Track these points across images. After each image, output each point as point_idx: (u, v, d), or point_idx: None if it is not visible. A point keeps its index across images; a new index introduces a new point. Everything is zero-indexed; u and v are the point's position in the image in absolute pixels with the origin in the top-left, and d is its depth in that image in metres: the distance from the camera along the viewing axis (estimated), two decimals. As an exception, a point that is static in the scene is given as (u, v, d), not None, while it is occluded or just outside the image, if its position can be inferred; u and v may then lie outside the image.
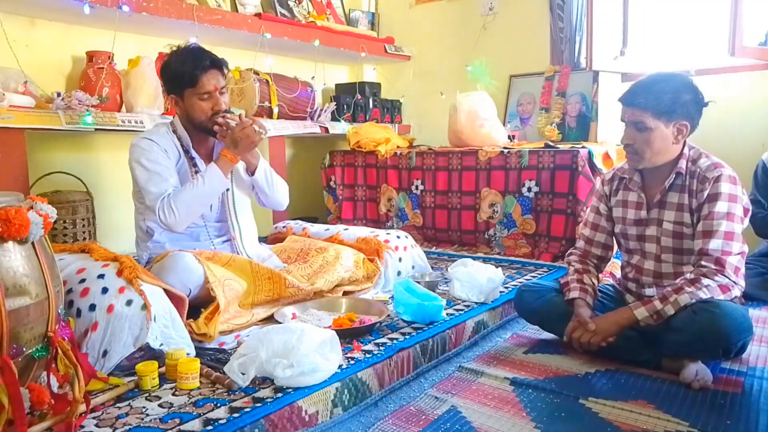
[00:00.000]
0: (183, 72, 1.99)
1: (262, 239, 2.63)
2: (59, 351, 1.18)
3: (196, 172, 2.07)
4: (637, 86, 1.73)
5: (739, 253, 1.62)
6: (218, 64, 2.04)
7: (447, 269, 2.38)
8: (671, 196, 1.75)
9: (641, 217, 1.82)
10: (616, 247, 1.99)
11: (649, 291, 1.81)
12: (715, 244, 1.61)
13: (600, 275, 1.96)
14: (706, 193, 1.66)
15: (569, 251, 2.02)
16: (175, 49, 2.07)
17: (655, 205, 1.78)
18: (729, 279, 1.59)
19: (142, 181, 1.98)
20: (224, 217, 2.18)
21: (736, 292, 1.60)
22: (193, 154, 2.11)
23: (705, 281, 1.58)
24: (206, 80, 2.00)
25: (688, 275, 1.64)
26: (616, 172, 1.92)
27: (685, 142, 1.74)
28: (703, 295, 1.56)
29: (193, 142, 2.11)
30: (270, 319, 1.92)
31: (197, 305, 1.82)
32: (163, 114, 2.67)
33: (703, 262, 1.62)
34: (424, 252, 2.64)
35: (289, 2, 3.62)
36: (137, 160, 1.99)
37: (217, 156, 2.06)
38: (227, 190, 2.15)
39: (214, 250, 2.09)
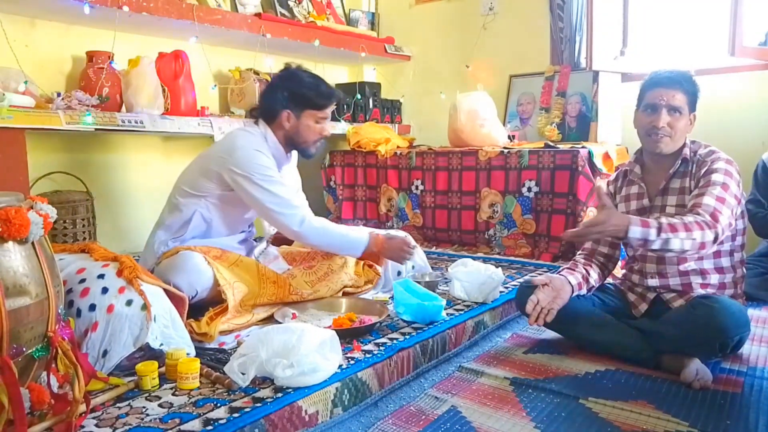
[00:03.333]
0: (317, 94, 2.06)
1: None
2: (59, 351, 1.18)
3: None
4: (671, 73, 1.78)
5: (728, 222, 1.63)
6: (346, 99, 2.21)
7: (447, 269, 2.38)
8: (674, 182, 1.80)
9: (644, 206, 1.86)
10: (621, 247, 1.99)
11: (652, 282, 1.81)
12: (708, 200, 1.64)
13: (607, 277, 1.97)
14: (703, 171, 1.72)
15: (578, 252, 2.03)
16: (298, 67, 2.13)
17: (659, 193, 1.83)
18: (716, 230, 1.58)
19: (269, 186, 1.97)
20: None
21: (710, 236, 1.58)
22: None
23: (689, 217, 1.59)
24: (329, 107, 2.13)
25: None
26: (620, 168, 1.99)
27: None
28: (688, 242, 1.55)
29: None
30: (270, 319, 1.92)
31: (200, 306, 1.82)
32: (162, 114, 2.66)
33: (699, 210, 1.62)
34: (424, 252, 2.64)
35: (289, 2, 3.61)
36: (262, 173, 1.97)
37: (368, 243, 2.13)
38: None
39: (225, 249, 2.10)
